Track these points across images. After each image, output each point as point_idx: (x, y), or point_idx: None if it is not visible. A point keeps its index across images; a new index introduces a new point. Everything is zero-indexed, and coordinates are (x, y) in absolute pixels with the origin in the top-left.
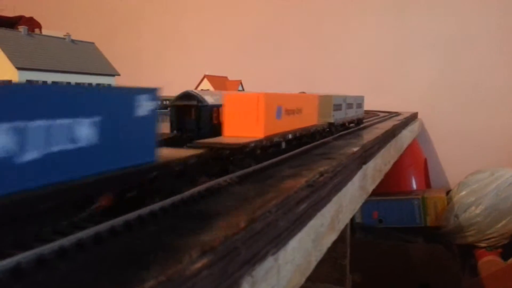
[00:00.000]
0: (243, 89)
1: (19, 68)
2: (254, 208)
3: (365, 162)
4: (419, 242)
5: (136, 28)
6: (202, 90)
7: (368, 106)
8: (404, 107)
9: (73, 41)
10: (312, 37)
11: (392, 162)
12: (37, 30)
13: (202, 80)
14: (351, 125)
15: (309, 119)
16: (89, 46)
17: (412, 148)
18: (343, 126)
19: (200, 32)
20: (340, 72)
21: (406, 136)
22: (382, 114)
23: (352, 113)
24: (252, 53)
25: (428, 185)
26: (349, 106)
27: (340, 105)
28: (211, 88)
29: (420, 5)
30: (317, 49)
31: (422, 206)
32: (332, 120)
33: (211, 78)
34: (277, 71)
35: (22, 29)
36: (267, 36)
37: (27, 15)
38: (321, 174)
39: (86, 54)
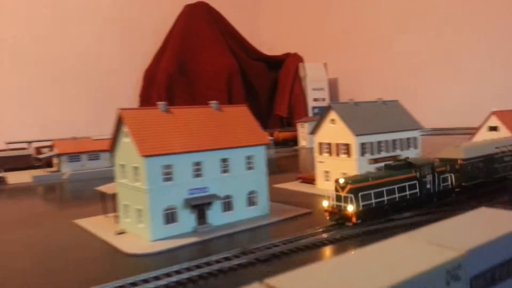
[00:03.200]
0: None
1: (356, 135)
2: None
3: None
4: None
5: (393, 57)
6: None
7: None
8: None
9: (384, 102)
10: None
11: None
12: (300, 64)
13: (488, 117)
14: None
15: None
16: (395, 104)
17: None
18: None
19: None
20: None
21: None
22: None
23: None
24: None
25: None
26: None
27: None
28: (500, 125)
29: None
30: None
31: None
32: None
33: (500, 114)
34: None
35: (349, 101)
36: None
37: (292, 51)
38: None
39: (395, 112)
